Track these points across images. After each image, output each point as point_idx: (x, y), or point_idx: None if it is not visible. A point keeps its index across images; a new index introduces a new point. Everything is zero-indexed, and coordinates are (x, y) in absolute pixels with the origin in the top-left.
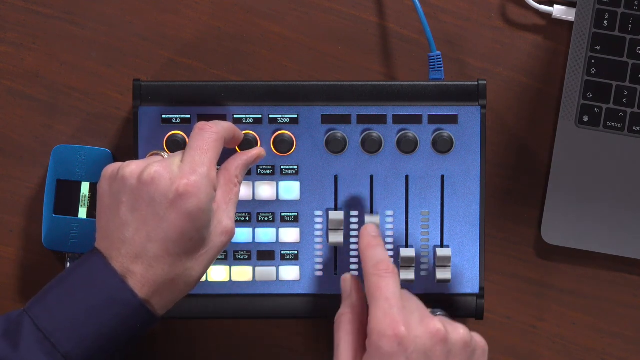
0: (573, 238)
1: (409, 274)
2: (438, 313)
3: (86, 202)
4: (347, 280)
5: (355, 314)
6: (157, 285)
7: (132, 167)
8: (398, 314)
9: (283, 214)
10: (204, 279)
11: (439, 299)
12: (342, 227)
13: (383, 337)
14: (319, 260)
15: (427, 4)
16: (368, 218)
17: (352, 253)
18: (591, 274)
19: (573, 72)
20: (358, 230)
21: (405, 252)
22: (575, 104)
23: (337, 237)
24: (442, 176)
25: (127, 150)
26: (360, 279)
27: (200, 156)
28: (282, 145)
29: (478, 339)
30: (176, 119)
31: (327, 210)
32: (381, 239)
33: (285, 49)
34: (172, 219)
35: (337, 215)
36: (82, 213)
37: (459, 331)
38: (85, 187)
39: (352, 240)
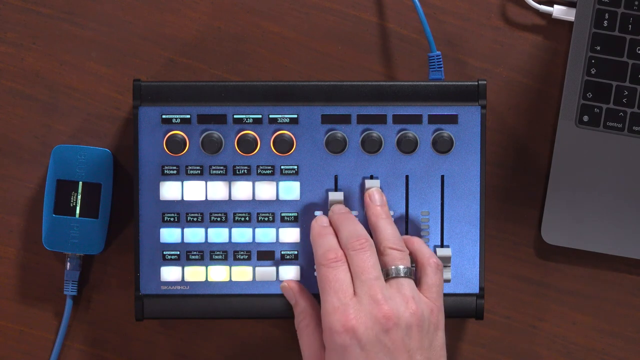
0: (573, 238)
1: None
2: (402, 274)
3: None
4: (286, 288)
5: (309, 316)
6: None
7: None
8: (346, 307)
9: (283, 214)
10: (203, 279)
11: None
12: None
13: (334, 333)
14: None
15: (427, 4)
16: (368, 182)
17: None
18: (591, 274)
19: (573, 72)
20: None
21: None
22: (575, 104)
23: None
24: (442, 176)
25: (127, 150)
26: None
27: None
28: (282, 145)
29: (427, 312)
30: (176, 119)
31: (327, 190)
32: (331, 229)
33: (285, 49)
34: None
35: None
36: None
37: (411, 309)
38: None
39: None
